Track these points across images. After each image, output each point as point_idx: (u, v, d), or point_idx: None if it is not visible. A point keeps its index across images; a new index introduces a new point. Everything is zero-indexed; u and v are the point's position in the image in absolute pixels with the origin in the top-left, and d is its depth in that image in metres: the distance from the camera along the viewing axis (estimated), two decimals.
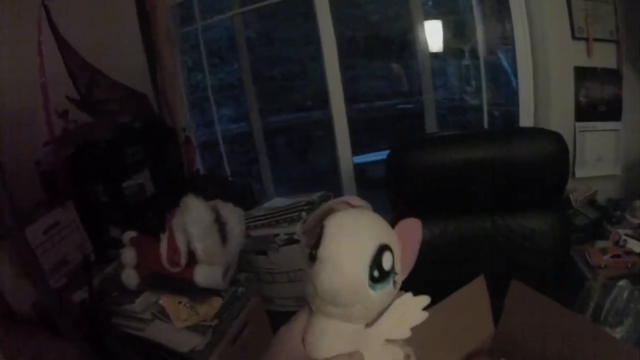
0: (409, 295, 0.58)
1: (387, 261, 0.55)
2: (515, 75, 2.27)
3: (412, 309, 0.57)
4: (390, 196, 1.57)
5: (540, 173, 1.39)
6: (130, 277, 1.59)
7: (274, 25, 2.99)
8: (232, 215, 1.63)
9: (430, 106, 2.59)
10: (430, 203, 1.49)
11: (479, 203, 1.47)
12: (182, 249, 1.50)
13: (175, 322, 1.50)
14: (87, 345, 1.31)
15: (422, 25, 2.44)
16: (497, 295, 1.08)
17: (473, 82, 2.58)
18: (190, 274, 1.50)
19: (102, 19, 2.45)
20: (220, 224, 1.57)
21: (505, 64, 2.42)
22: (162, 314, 1.53)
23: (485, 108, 2.40)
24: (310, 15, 2.39)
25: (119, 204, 2.02)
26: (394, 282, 0.57)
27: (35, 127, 1.90)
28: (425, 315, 0.57)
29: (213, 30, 2.85)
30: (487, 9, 2.34)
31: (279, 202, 2.21)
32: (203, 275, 1.50)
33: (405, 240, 0.60)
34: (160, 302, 1.56)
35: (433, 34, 2.46)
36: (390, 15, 2.73)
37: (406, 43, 2.67)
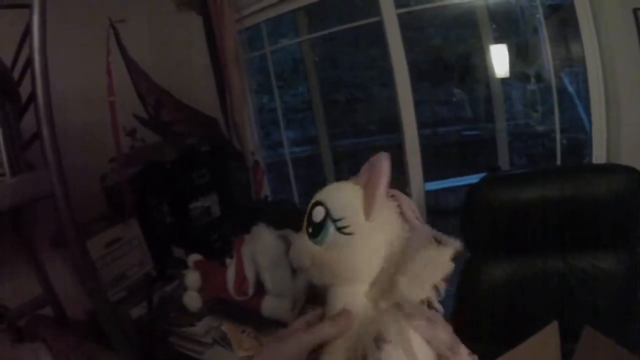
0: (431, 249, 0.55)
1: (317, 214, 0.59)
2: (580, 99, 2.13)
3: (436, 262, 0.54)
4: (464, 231, 1.53)
5: (614, 211, 1.33)
6: (192, 300, 1.54)
7: (338, 50, 2.96)
8: None
9: (502, 134, 2.45)
10: (505, 241, 1.46)
11: (552, 242, 1.41)
12: (251, 278, 1.45)
13: (237, 350, 1.42)
14: None
15: (488, 49, 2.32)
16: (566, 337, 1.08)
17: (539, 108, 2.44)
18: (257, 303, 1.43)
19: (171, 42, 2.49)
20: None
21: (569, 87, 2.27)
22: (223, 341, 1.47)
23: (558, 136, 2.24)
24: (375, 40, 2.33)
25: (184, 225, 2.00)
26: (340, 228, 0.57)
27: (101, 142, 1.91)
28: (451, 266, 0.55)
29: (276, 53, 2.84)
30: (553, 30, 2.21)
31: None
32: (271, 307, 1.43)
33: (369, 175, 0.59)
34: (223, 328, 1.50)
35: (499, 59, 2.33)
36: (453, 39, 2.64)
37: (469, 67, 2.57)
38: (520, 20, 2.39)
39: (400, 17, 2.18)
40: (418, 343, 0.54)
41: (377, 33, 2.26)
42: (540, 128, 2.47)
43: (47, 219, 1.68)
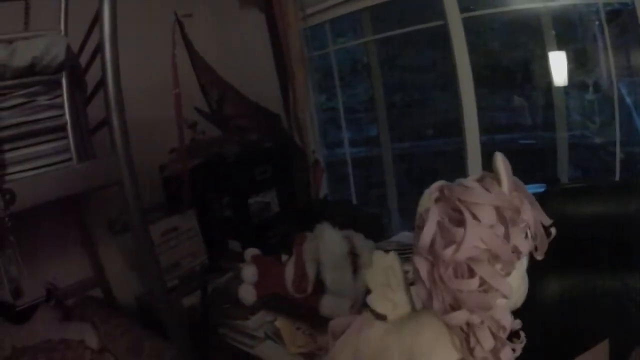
0: None
1: None
2: (638, 111, 2.03)
3: None
4: None
5: None
6: (248, 293, 1.54)
7: (399, 52, 2.91)
8: (365, 247, 1.53)
9: (562, 144, 2.35)
10: (560, 256, 1.38)
11: (608, 259, 1.34)
12: (311, 276, 1.44)
13: (290, 346, 1.39)
14: (187, 348, 1.28)
15: (547, 56, 2.22)
16: (617, 358, 1.04)
17: (597, 119, 2.33)
18: (316, 302, 1.42)
19: (235, 38, 2.51)
20: (353, 255, 1.49)
21: (627, 99, 2.14)
22: (276, 336, 1.45)
23: (618, 149, 2.12)
24: (437, 43, 2.27)
25: (242, 219, 2.00)
26: None
27: (163, 133, 1.95)
28: None
29: (337, 53, 2.82)
30: (612, 37, 2.09)
31: (407, 236, 2.07)
32: (330, 306, 1.40)
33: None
34: (276, 323, 1.47)
35: (557, 66, 2.22)
36: (514, 44, 2.55)
37: (529, 74, 2.47)
38: (579, 27, 2.27)
39: (463, 20, 2.12)
40: None
41: (440, 36, 2.21)
42: (597, 140, 2.34)
43: (102, 205, 1.73)
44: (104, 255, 1.75)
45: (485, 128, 2.65)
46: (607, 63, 2.08)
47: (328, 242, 1.44)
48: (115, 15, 1.08)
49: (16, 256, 0.98)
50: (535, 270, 1.41)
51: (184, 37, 2.08)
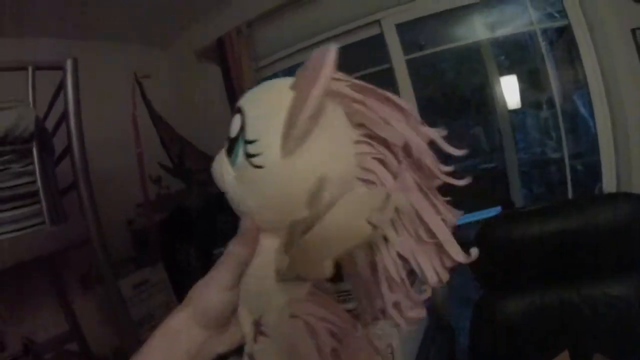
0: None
1: (233, 125, 0.41)
2: (594, 120, 2.11)
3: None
4: (475, 268, 1.56)
5: (624, 239, 1.36)
6: None
7: None
8: None
9: (512, 165, 2.46)
10: (516, 276, 1.49)
11: (563, 274, 1.44)
12: None
13: None
14: None
15: (498, 81, 2.35)
16: None
17: (553, 134, 2.45)
18: None
19: (193, 94, 2.61)
20: None
21: (582, 109, 2.27)
22: None
23: (567, 162, 2.23)
24: (388, 83, 2.39)
25: (209, 269, 2.03)
26: (250, 155, 0.38)
27: (130, 188, 2.02)
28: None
29: None
30: (559, 53, 2.22)
31: None
32: None
33: (304, 75, 0.37)
34: None
35: (509, 89, 2.35)
36: (465, 72, 2.68)
37: (483, 100, 2.60)
38: (530, 47, 2.39)
39: (409, 62, 2.25)
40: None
41: (389, 78, 2.33)
42: (555, 155, 2.42)
43: (76, 260, 1.77)
44: (79, 309, 1.77)
45: (445, 156, 2.77)
46: (559, 79, 2.20)
47: None
48: (78, 85, 1.16)
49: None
50: (493, 292, 1.50)
51: (144, 97, 2.16)
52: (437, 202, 0.40)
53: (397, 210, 0.38)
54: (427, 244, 0.39)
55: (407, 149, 0.39)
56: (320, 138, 0.37)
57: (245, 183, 0.40)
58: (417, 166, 0.40)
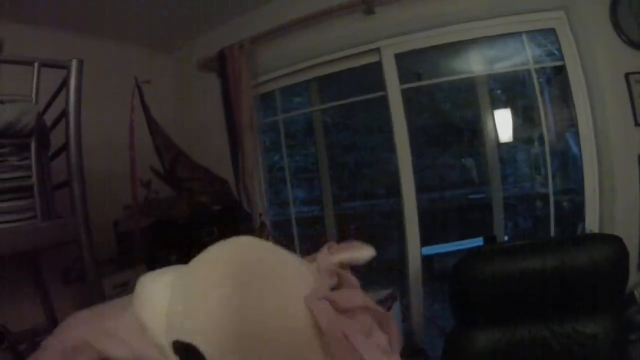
0: None
1: None
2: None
3: None
4: (452, 304, 1.60)
5: (600, 281, 1.41)
6: None
7: (349, 112, 3.05)
8: None
9: (497, 199, 2.50)
10: (488, 311, 1.52)
11: (535, 310, 1.47)
12: None
13: None
14: None
15: (491, 114, 2.40)
16: None
17: (542, 170, 2.49)
18: None
19: (191, 102, 2.64)
20: None
21: (574, 148, 2.31)
22: None
23: (551, 199, 2.27)
24: (383, 108, 2.44)
25: None
26: None
27: (119, 189, 2.05)
28: None
29: (290, 112, 2.94)
30: (555, 91, 2.27)
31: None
32: None
33: None
34: None
35: (502, 123, 2.40)
36: (460, 104, 2.73)
37: (476, 131, 2.64)
38: (527, 83, 2.42)
39: (405, 90, 2.31)
40: None
41: (384, 103, 2.39)
42: (543, 190, 2.45)
43: (57, 254, 1.78)
44: (57, 302, 1.77)
45: (436, 185, 2.81)
46: (552, 117, 2.26)
47: None
48: (81, 88, 1.19)
49: None
50: (465, 325, 1.53)
51: (142, 102, 2.18)
52: None
53: None
54: None
55: None
56: None
57: None
58: None
